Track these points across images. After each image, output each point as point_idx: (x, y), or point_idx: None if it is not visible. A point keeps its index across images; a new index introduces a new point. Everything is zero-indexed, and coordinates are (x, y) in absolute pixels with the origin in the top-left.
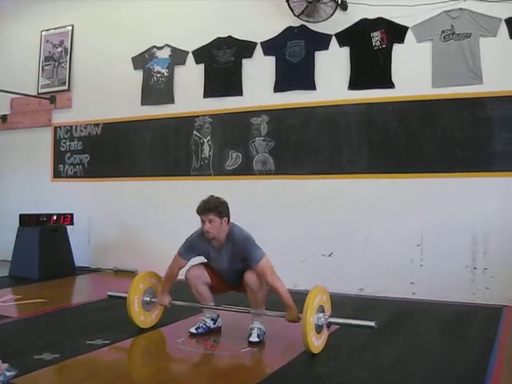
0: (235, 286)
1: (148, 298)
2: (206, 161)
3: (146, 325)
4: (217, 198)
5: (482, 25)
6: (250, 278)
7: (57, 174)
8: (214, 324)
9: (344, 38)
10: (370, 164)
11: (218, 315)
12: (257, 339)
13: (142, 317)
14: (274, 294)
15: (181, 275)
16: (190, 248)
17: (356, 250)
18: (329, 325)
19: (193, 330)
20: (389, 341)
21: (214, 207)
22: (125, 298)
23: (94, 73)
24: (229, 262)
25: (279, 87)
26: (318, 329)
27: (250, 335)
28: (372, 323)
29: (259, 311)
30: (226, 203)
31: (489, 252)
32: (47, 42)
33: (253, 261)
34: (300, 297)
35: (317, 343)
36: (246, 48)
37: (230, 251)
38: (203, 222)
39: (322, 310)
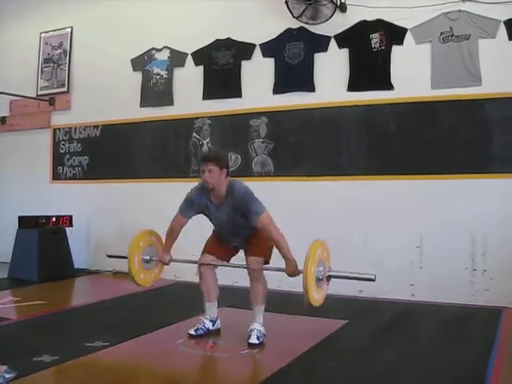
0: (239, 247)
1: (148, 257)
2: None
3: (147, 283)
4: (215, 150)
5: (481, 26)
6: (251, 266)
7: (56, 176)
8: (213, 326)
9: (343, 39)
10: (369, 166)
11: (217, 317)
12: (256, 341)
13: (143, 275)
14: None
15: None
16: (189, 204)
17: (355, 252)
18: (328, 279)
19: (192, 332)
20: (389, 342)
21: (213, 157)
22: (125, 258)
23: (93, 75)
24: (228, 217)
25: (278, 89)
26: (318, 282)
27: (250, 337)
28: (372, 275)
29: (259, 302)
30: (226, 156)
31: (488, 253)
32: (46, 43)
33: (253, 215)
34: (299, 299)
35: (317, 296)
36: (245, 50)
37: (231, 205)
38: (203, 171)
39: (322, 264)
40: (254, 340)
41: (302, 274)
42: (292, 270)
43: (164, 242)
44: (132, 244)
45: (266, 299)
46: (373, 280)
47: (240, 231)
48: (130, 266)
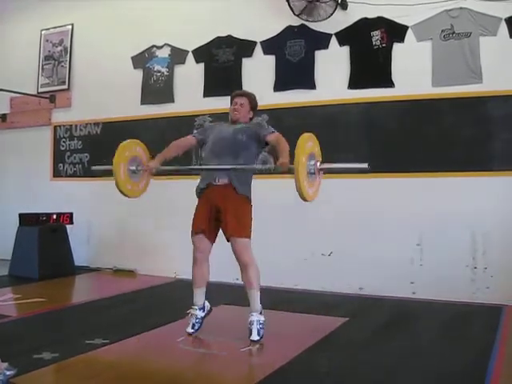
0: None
1: (134, 167)
2: None
3: (134, 194)
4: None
5: (482, 24)
6: (237, 250)
7: (56, 173)
8: (204, 312)
9: (344, 37)
10: (370, 163)
11: (204, 301)
12: (257, 337)
13: (129, 185)
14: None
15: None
16: (202, 129)
17: (355, 250)
18: (320, 172)
19: (190, 330)
20: (389, 340)
21: (249, 94)
22: (110, 170)
23: (93, 72)
24: (234, 132)
25: (279, 86)
26: (311, 176)
27: (251, 332)
28: (365, 165)
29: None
30: (257, 103)
31: (489, 251)
32: (47, 41)
33: (267, 130)
34: (299, 296)
35: (310, 191)
36: (245, 47)
37: (243, 126)
38: (235, 103)
39: (313, 157)
40: (255, 337)
41: (293, 170)
42: (284, 162)
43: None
44: (117, 154)
45: (259, 280)
46: (366, 169)
47: (235, 149)
48: (116, 176)
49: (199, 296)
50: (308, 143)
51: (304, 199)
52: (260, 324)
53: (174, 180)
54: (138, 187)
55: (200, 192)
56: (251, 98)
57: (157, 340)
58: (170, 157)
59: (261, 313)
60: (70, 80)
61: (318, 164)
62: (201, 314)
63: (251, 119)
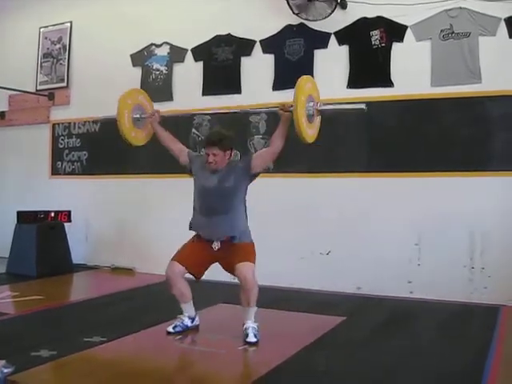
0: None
1: (138, 115)
2: None
3: (138, 141)
4: (223, 132)
5: (482, 24)
6: (243, 271)
7: (55, 171)
8: (192, 323)
9: (343, 36)
10: (369, 163)
11: (196, 314)
12: (254, 339)
13: (133, 133)
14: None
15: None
16: (192, 156)
17: (354, 249)
18: (319, 113)
19: (170, 329)
20: (386, 339)
21: (217, 140)
22: (114, 118)
23: (92, 70)
24: (219, 179)
25: (278, 85)
26: (310, 118)
27: (247, 335)
28: (362, 105)
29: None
30: (231, 136)
31: (486, 251)
32: (46, 38)
33: (249, 157)
34: (297, 295)
35: (310, 132)
36: (245, 46)
37: (226, 170)
38: (207, 154)
39: (311, 99)
40: (252, 338)
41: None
42: (284, 106)
43: None
44: (120, 102)
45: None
46: (363, 110)
47: (224, 200)
48: (120, 124)
49: (188, 309)
50: (307, 84)
51: (304, 140)
52: (255, 330)
53: (172, 178)
54: (141, 134)
55: (196, 235)
56: (221, 143)
57: (155, 338)
58: (162, 134)
59: (255, 322)
60: (69, 78)
61: (317, 105)
62: (188, 322)
63: (230, 157)
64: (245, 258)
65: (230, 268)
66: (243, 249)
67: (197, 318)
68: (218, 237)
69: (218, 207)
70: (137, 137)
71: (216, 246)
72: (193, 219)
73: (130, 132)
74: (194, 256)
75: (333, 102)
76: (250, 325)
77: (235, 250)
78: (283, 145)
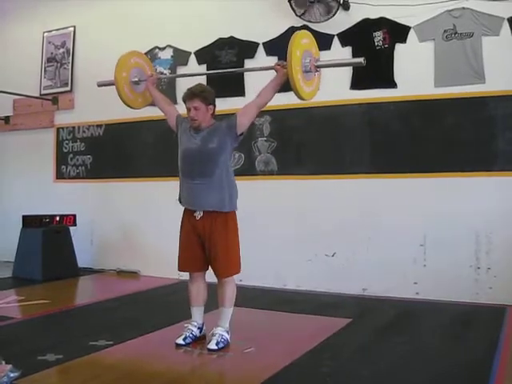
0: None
1: (136, 79)
2: None
3: (137, 105)
4: (203, 84)
5: (485, 24)
6: (218, 267)
7: (59, 175)
8: (200, 332)
9: (346, 37)
10: (373, 164)
11: (203, 323)
12: (215, 347)
13: (132, 95)
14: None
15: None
16: (180, 119)
17: (359, 250)
18: (317, 69)
19: (180, 341)
20: (392, 340)
21: (199, 92)
22: (112, 84)
23: (96, 74)
24: (203, 140)
25: (281, 87)
26: (307, 75)
27: (210, 342)
28: (360, 59)
29: (227, 305)
30: (213, 91)
31: (492, 251)
32: (49, 43)
33: (233, 117)
34: (302, 296)
35: (307, 89)
36: (248, 48)
37: (211, 129)
38: (188, 109)
39: (308, 55)
40: (212, 346)
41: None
42: (278, 65)
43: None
44: (118, 66)
45: (234, 300)
46: (361, 64)
47: (207, 162)
48: (119, 88)
49: (197, 315)
50: (303, 40)
51: (300, 97)
52: (222, 337)
53: (177, 182)
54: (141, 98)
55: (184, 211)
56: (202, 95)
57: (160, 341)
58: (156, 95)
59: (227, 332)
60: (73, 82)
61: (314, 61)
62: (197, 332)
63: (213, 114)
64: (228, 263)
65: (213, 266)
66: (228, 235)
67: (204, 328)
68: (201, 204)
69: (201, 170)
70: (135, 100)
71: (198, 215)
72: (180, 189)
73: (128, 96)
74: (190, 254)
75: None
76: (219, 331)
77: (217, 231)
78: (271, 99)
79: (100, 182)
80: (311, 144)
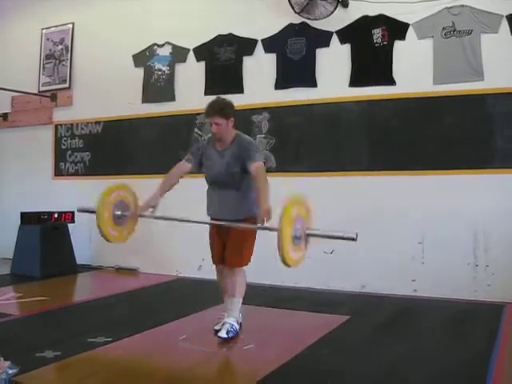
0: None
1: (119, 212)
2: None
3: (119, 240)
4: (223, 99)
5: (483, 21)
6: (227, 257)
7: (58, 172)
8: (238, 324)
9: (345, 35)
10: (371, 161)
11: (240, 312)
12: (225, 335)
13: (114, 231)
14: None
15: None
16: (195, 149)
17: (357, 248)
18: (307, 237)
19: (223, 335)
20: (391, 338)
21: (219, 109)
22: (93, 212)
23: (94, 71)
24: (227, 165)
25: (280, 84)
26: (296, 240)
27: (220, 330)
28: (353, 235)
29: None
30: (232, 104)
31: (490, 249)
32: (48, 39)
33: (250, 158)
34: (301, 294)
35: (293, 255)
36: (246, 45)
37: (233, 152)
38: (210, 124)
39: (300, 221)
40: (223, 334)
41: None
42: (262, 216)
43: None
44: (101, 199)
45: (244, 290)
46: (354, 239)
47: (232, 181)
48: (100, 223)
49: (225, 305)
50: (292, 210)
51: (286, 264)
52: (232, 327)
53: None
54: (123, 233)
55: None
56: (223, 112)
57: (159, 338)
58: (169, 187)
59: (237, 322)
60: (71, 79)
61: (305, 229)
62: (237, 326)
63: (234, 125)
64: (239, 255)
65: (225, 257)
66: (245, 233)
67: (240, 316)
68: (227, 219)
69: (226, 188)
70: (118, 235)
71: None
72: (208, 202)
73: (109, 231)
74: (218, 249)
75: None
76: (229, 321)
77: (239, 232)
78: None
79: (98, 178)
80: (309, 141)
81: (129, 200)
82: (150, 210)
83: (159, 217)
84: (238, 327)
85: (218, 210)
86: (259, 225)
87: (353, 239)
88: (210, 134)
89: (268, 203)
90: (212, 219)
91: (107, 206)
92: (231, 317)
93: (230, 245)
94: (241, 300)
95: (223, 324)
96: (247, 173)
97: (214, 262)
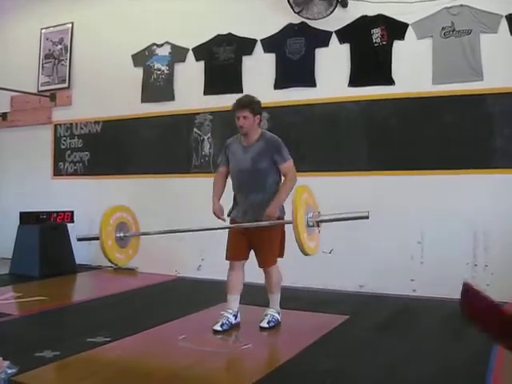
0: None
1: (122, 234)
2: (207, 158)
3: (123, 262)
4: (252, 96)
5: (483, 21)
6: (259, 258)
7: (57, 172)
8: (235, 320)
9: (344, 34)
10: (370, 161)
11: (238, 311)
12: (266, 325)
13: (118, 254)
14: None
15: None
16: (224, 150)
17: (356, 247)
18: (319, 224)
19: (218, 328)
20: (389, 338)
21: (248, 104)
22: (96, 239)
23: (93, 70)
24: (253, 160)
25: (279, 84)
26: (309, 229)
27: (262, 320)
28: (365, 213)
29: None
30: (259, 102)
31: (489, 249)
32: (47, 39)
33: (282, 157)
34: (299, 293)
35: (311, 244)
36: (246, 45)
37: (260, 148)
38: (238, 118)
39: (310, 210)
40: (264, 324)
41: (292, 224)
42: (271, 210)
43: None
44: (102, 222)
45: (280, 283)
46: (366, 217)
47: (259, 181)
48: (106, 252)
49: (233, 303)
50: (303, 195)
51: (305, 254)
52: (273, 317)
53: (175, 178)
54: (127, 253)
55: (232, 220)
56: (251, 107)
57: (158, 338)
58: (222, 191)
59: (278, 313)
60: (70, 78)
61: (316, 216)
62: (232, 319)
63: (260, 121)
64: (270, 254)
65: (257, 258)
66: (273, 232)
67: (238, 315)
68: (255, 218)
69: (253, 187)
70: (121, 257)
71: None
72: (234, 202)
73: (114, 253)
74: (237, 246)
75: (333, 214)
76: (270, 312)
77: (261, 229)
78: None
79: (98, 178)
80: (309, 141)
81: (128, 219)
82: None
83: (162, 232)
84: (279, 318)
85: (244, 210)
86: (271, 221)
87: (366, 217)
88: (232, 138)
89: (281, 202)
90: (236, 222)
91: (109, 234)
92: (272, 308)
93: (259, 246)
94: (279, 294)
95: (265, 315)
96: (273, 170)
97: (230, 259)
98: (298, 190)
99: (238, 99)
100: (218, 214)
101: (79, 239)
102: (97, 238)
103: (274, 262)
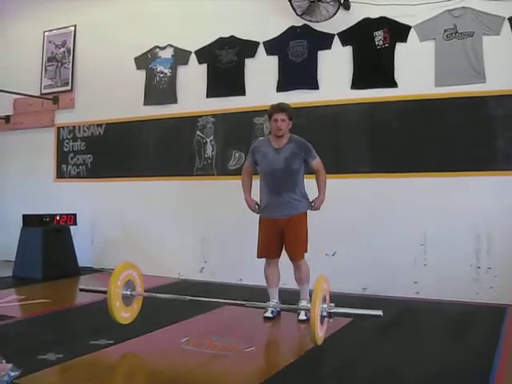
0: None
1: (128, 292)
2: (209, 161)
3: (133, 317)
4: (286, 103)
5: (485, 23)
6: (293, 254)
7: (60, 175)
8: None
9: (347, 37)
10: (373, 163)
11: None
12: (304, 317)
13: (124, 312)
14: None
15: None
16: (253, 150)
17: (359, 250)
18: (331, 315)
19: (269, 315)
20: (393, 340)
21: (287, 108)
22: (101, 292)
23: (96, 73)
24: (285, 161)
25: (282, 87)
26: (322, 320)
27: (299, 314)
28: (379, 312)
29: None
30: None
31: (492, 251)
32: (50, 42)
33: (312, 156)
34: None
35: (321, 334)
36: (248, 48)
37: (292, 150)
38: (276, 120)
39: (324, 299)
40: (302, 317)
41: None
42: (319, 204)
43: (243, 190)
44: (111, 283)
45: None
46: (380, 316)
47: (290, 180)
48: (113, 313)
49: (274, 294)
50: (323, 284)
51: (315, 343)
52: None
53: (178, 180)
54: (132, 309)
55: (265, 218)
56: (289, 112)
57: (161, 340)
58: (250, 187)
59: (309, 301)
60: (73, 81)
61: (329, 308)
62: (278, 307)
63: (291, 125)
64: (299, 247)
65: (287, 251)
66: (300, 225)
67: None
68: (285, 214)
69: (286, 185)
70: (126, 316)
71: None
72: (263, 202)
73: (120, 313)
74: (268, 243)
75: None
76: (304, 303)
77: (292, 222)
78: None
79: (100, 181)
80: (312, 143)
81: (134, 277)
82: (256, 206)
83: (164, 296)
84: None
85: (281, 211)
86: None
87: (378, 316)
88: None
89: (324, 195)
90: (269, 220)
91: (117, 296)
92: (304, 300)
93: (291, 240)
94: (310, 284)
95: (300, 308)
96: (302, 171)
97: (264, 257)
98: (320, 279)
99: (277, 103)
100: (255, 209)
101: (81, 290)
102: (100, 292)
103: (303, 255)
